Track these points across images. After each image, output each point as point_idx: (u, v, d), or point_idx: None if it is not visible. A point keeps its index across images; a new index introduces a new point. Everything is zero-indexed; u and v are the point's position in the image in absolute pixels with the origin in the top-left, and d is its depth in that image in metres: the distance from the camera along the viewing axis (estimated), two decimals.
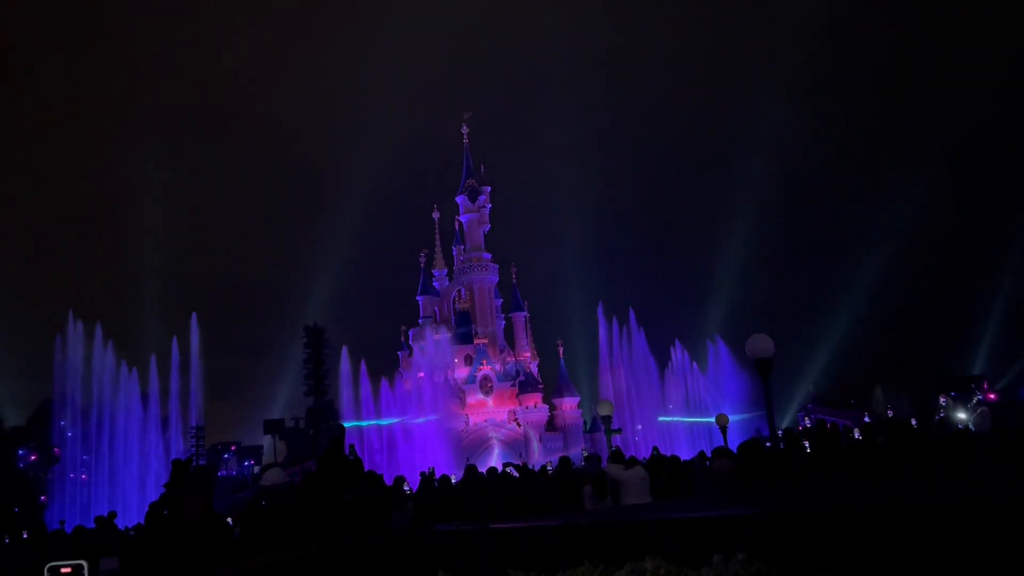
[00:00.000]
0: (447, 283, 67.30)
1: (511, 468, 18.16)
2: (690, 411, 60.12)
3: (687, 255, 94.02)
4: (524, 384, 58.26)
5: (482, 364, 58.35)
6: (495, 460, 47.87)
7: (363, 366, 53.46)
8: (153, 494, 34.73)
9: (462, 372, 58.89)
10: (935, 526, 3.37)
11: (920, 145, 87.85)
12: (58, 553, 12.63)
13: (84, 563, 4.32)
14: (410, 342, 66.77)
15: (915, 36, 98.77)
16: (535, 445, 55.70)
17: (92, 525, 16.06)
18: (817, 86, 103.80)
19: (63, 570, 4.33)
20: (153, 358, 46.29)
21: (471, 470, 17.50)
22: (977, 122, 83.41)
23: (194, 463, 45.83)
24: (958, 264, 78.77)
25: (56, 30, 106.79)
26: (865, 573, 3.40)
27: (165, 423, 45.57)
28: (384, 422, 55.47)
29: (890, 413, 48.62)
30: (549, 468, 27.42)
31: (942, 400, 44.09)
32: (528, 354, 62.67)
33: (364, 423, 54.48)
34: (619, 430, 54.08)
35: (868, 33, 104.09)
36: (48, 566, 4.31)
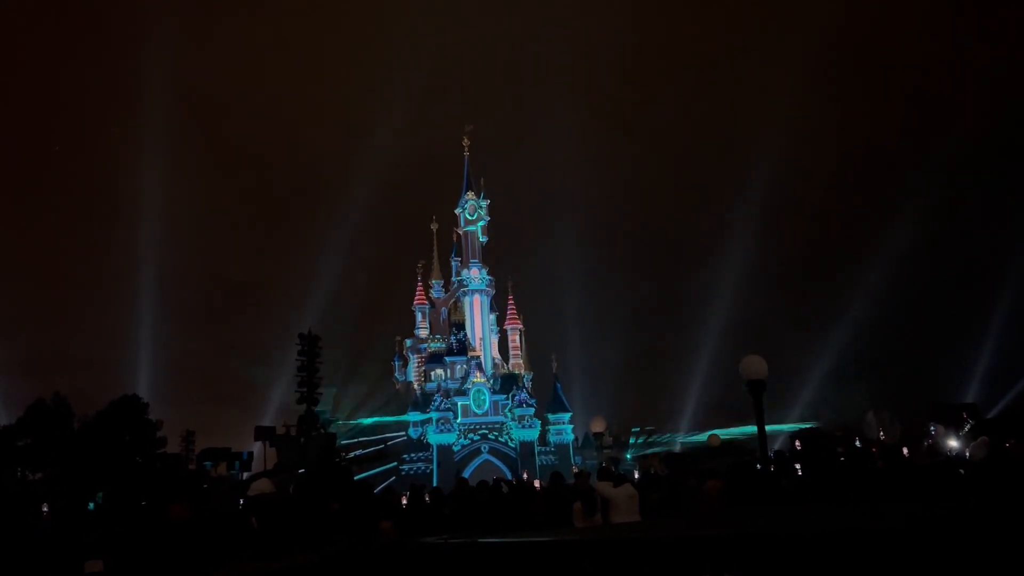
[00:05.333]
0: (443, 294, 67.42)
1: (501, 483, 18.12)
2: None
3: (685, 272, 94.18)
4: (517, 398, 58.17)
5: (476, 377, 58.28)
6: (487, 473, 47.72)
7: None
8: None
9: (455, 384, 58.83)
10: (918, 550, 3.39)
11: (919, 165, 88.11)
12: (40, 555, 12.53)
13: None
14: (405, 352, 66.78)
15: (917, 47, 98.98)
16: (527, 459, 55.55)
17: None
18: (818, 100, 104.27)
19: None
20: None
21: (461, 483, 17.47)
22: (976, 142, 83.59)
23: (184, 468, 45.64)
24: (953, 289, 78.95)
25: (46, 18, 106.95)
26: None
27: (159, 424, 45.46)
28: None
29: (882, 436, 48.69)
30: (539, 484, 27.34)
31: (932, 427, 44.05)
32: (522, 368, 62.66)
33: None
34: (610, 447, 54.12)
35: (869, 44, 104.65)
36: None
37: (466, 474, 42.66)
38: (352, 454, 51.39)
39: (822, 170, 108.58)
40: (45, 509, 24.53)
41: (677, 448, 61.45)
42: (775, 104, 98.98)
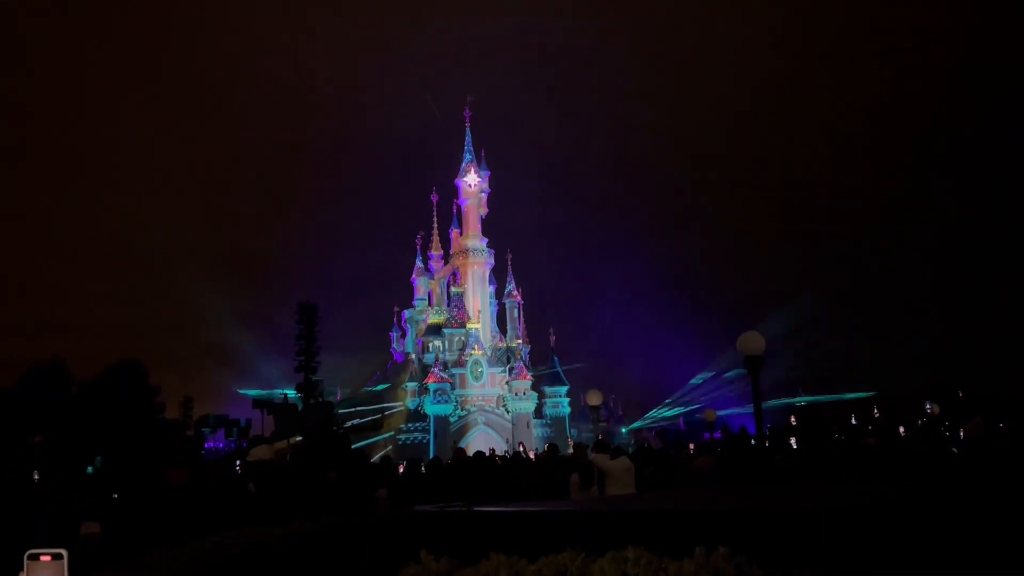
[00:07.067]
0: (442, 266, 67.27)
1: (496, 454, 18.26)
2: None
3: (686, 247, 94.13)
4: (514, 370, 58.37)
5: (474, 349, 58.40)
6: (483, 445, 48.04)
7: None
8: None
9: (453, 356, 58.96)
10: (908, 526, 3.40)
11: (920, 160, 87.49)
12: (37, 519, 12.62)
13: (64, 552, 4.30)
14: (403, 323, 66.85)
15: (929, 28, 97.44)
16: (523, 432, 55.88)
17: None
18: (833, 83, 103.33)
19: (43, 558, 4.29)
20: None
21: (459, 453, 17.59)
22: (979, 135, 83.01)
23: (182, 434, 45.91)
24: (953, 271, 78.95)
25: None
26: (842, 571, 3.44)
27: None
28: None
29: (876, 415, 49.05)
30: (536, 455, 27.52)
31: (928, 406, 44.32)
32: (520, 341, 62.76)
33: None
34: (606, 420, 54.46)
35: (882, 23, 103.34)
36: (28, 553, 4.29)
37: (462, 445, 42.98)
38: (350, 423, 51.66)
39: (824, 149, 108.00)
40: (36, 477, 24.70)
41: (674, 423, 61.86)
42: (780, 81, 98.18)
